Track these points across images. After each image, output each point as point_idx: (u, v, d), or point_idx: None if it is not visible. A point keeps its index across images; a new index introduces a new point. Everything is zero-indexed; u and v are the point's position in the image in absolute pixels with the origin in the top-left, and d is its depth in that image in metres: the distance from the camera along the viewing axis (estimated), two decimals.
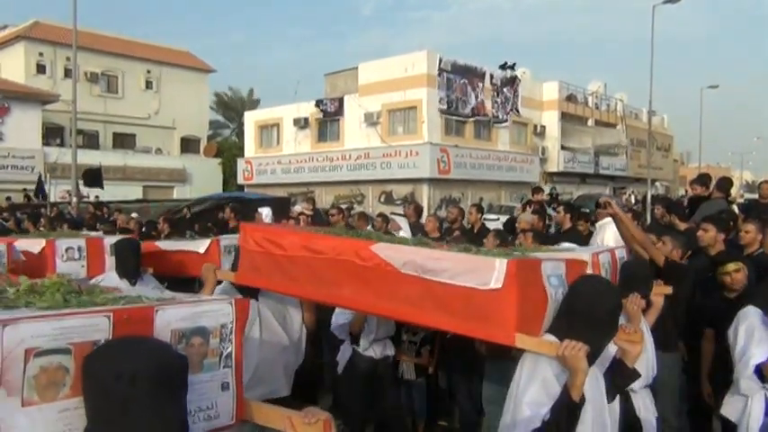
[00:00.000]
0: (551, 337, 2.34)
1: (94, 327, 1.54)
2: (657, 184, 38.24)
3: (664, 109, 45.69)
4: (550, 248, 3.81)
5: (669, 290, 3.57)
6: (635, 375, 2.50)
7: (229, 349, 1.84)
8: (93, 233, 6.40)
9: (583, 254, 3.22)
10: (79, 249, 4.78)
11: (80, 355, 1.48)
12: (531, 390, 2.25)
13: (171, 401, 1.43)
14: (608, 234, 5.16)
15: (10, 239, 4.73)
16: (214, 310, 1.82)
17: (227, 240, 4.82)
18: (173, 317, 1.71)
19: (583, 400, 2.16)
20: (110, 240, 4.79)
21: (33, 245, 4.79)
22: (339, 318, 4.21)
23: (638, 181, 35.35)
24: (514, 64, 28.98)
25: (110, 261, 4.63)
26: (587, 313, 2.32)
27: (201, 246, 4.79)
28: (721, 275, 4.05)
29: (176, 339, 1.70)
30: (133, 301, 1.78)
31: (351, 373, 4.33)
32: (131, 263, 4.38)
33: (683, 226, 6.10)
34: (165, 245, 5.17)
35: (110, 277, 4.29)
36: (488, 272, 2.43)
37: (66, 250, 4.72)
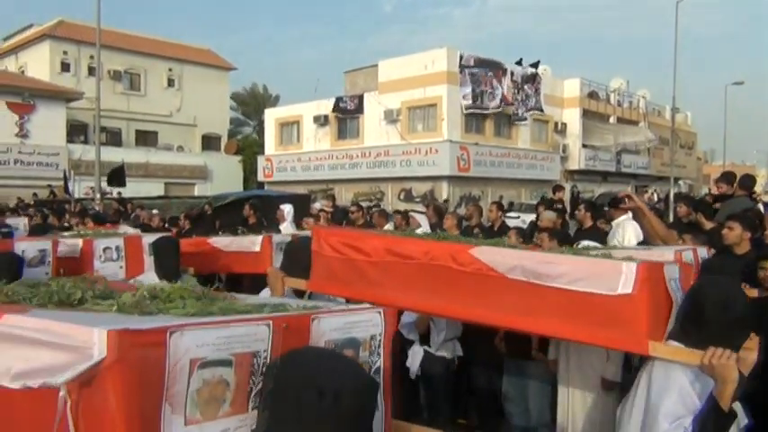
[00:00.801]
0: (677, 344, 2.21)
1: (255, 336, 1.41)
2: (680, 182, 37.73)
3: (687, 106, 45.15)
4: (619, 248, 3.67)
5: (755, 292, 3.42)
6: (746, 384, 2.41)
7: (378, 363, 1.70)
8: (131, 230, 6.27)
9: (665, 252, 3.11)
10: (117, 249, 4.58)
11: (240, 368, 1.36)
12: (668, 401, 2.11)
13: (365, 425, 1.28)
14: (629, 232, 5.09)
15: (54, 238, 4.50)
16: (365, 320, 1.68)
17: (279, 237, 4.75)
18: (328, 326, 1.58)
19: (732, 412, 2.00)
20: (148, 239, 4.57)
21: (71, 245, 4.59)
22: (406, 317, 4.21)
23: (660, 179, 34.94)
24: (538, 62, 28.71)
25: (148, 261, 4.41)
26: (722, 318, 2.16)
27: (255, 243, 4.68)
28: (759, 269, 3.97)
29: None
30: (278, 309, 1.65)
31: (428, 376, 4.33)
32: (171, 262, 4.15)
33: (708, 225, 6.01)
34: (217, 242, 4.99)
35: (149, 278, 4.07)
36: (615, 276, 2.28)
37: (104, 250, 4.53)
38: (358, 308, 1.82)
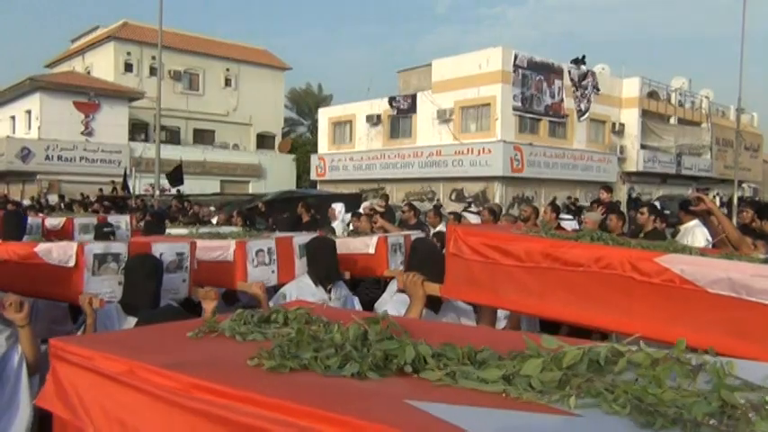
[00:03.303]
0: None
1: None
2: (745, 185, 36.22)
3: (754, 106, 43.19)
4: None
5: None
6: None
7: None
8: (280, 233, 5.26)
9: None
10: (269, 252, 4.07)
11: None
12: None
13: None
14: (698, 238, 4.88)
15: (192, 239, 3.90)
16: None
17: (393, 238, 4.49)
18: None
19: None
20: (299, 240, 4.15)
21: (220, 248, 4.04)
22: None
23: (723, 182, 33.63)
24: (584, 57, 28.06)
25: (299, 264, 4.05)
26: None
27: (369, 245, 4.39)
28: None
29: None
30: None
31: None
32: (331, 265, 3.80)
33: None
34: None
35: (304, 284, 3.81)
36: None
37: (257, 253, 4.01)
38: None
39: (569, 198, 19.78)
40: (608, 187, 11.47)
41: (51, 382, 1.71)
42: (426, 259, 3.19)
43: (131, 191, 19.57)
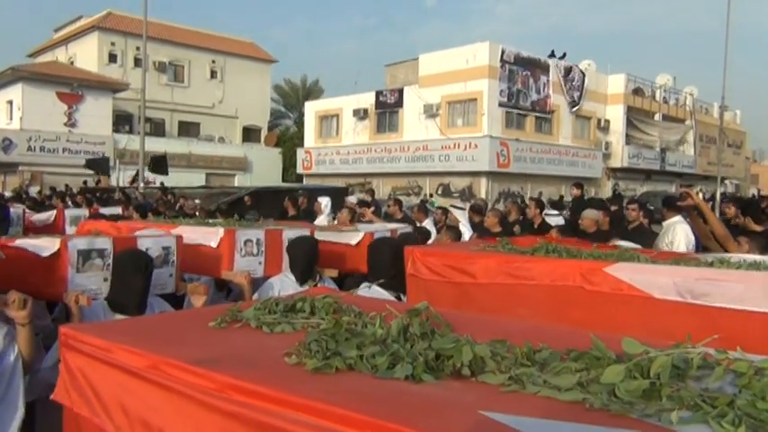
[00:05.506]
0: None
1: None
2: (727, 182, 36.61)
3: (737, 104, 43.74)
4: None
5: None
6: None
7: None
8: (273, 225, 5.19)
9: None
10: (258, 243, 4.02)
11: None
12: None
13: None
14: (678, 235, 4.92)
15: (179, 235, 3.76)
16: None
17: (380, 233, 4.40)
18: None
19: None
20: (290, 234, 4.08)
21: (207, 236, 3.98)
22: None
23: (706, 178, 33.98)
24: (564, 54, 28.16)
25: (287, 258, 4.00)
26: None
27: (354, 238, 4.29)
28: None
29: None
30: None
31: None
32: (306, 265, 3.77)
33: (758, 229, 5.80)
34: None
35: (289, 279, 3.77)
36: None
37: (245, 243, 3.96)
38: None
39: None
40: (579, 184, 11.56)
41: (65, 373, 1.59)
42: (378, 263, 3.20)
43: (111, 177, 19.32)
